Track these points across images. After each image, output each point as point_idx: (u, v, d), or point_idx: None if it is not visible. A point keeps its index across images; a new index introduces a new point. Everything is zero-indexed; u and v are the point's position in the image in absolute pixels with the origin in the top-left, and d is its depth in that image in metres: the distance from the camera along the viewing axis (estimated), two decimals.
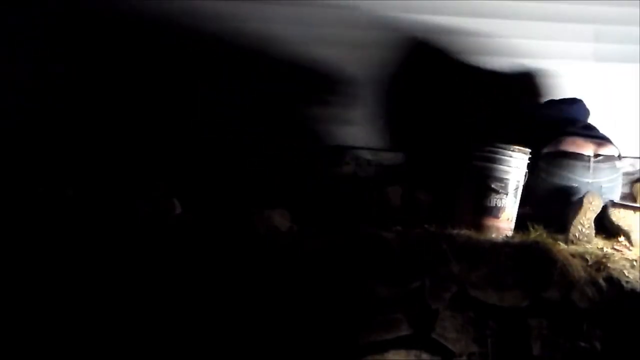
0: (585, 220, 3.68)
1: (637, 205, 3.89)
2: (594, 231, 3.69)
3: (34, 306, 3.18)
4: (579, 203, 3.70)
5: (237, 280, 3.21)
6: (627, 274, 3.35)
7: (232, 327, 3.16)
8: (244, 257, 3.26)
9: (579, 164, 3.87)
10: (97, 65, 4.22)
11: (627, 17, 4.30)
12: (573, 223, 3.68)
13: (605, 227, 3.79)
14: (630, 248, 3.67)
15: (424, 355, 3.15)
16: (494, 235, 3.58)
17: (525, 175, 3.76)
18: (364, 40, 4.32)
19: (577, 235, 3.67)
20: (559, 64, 4.40)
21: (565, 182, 3.87)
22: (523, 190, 3.76)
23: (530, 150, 3.77)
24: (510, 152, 3.71)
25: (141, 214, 3.58)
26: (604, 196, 3.82)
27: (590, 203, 3.69)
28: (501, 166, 3.69)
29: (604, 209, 3.77)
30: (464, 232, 3.47)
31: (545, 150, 3.94)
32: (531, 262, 3.28)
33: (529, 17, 4.35)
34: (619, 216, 3.80)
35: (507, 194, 3.68)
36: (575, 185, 3.86)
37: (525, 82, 4.42)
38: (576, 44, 4.37)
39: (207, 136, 4.26)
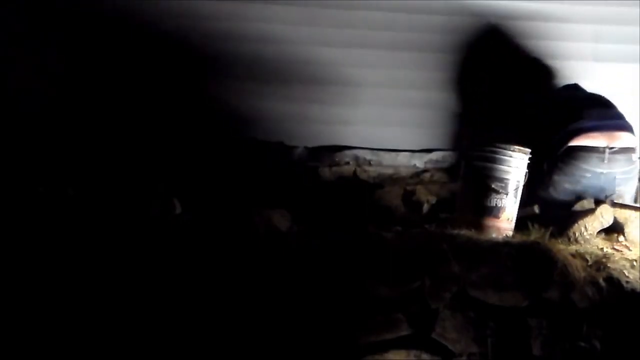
0: (590, 227, 3.69)
1: (637, 205, 3.89)
2: (594, 240, 3.70)
3: (34, 305, 3.18)
4: (591, 210, 3.71)
5: (237, 280, 3.21)
6: (627, 274, 3.35)
7: (233, 327, 3.16)
8: (244, 257, 3.26)
9: (594, 155, 3.86)
10: (97, 65, 4.22)
11: (627, 17, 4.30)
12: (578, 222, 3.69)
13: None
14: (630, 248, 3.68)
15: (424, 355, 3.15)
16: (494, 235, 3.58)
17: (525, 175, 3.76)
18: (364, 40, 4.32)
19: (577, 234, 3.68)
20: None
21: (579, 173, 3.87)
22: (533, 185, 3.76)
23: (530, 150, 3.77)
24: (510, 152, 3.71)
25: (141, 213, 3.58)
26: (617, 187, 3.85)
27: (602, 215, 3.71)
28: (501, 166, 3.69)
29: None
30: (464, 232, 3.47)
31: (559, 139, 3.91)
32: (531, 262, 3.28)
33: None
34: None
35: (507, 194, 3.68)
36: (588, 175, 3.86)
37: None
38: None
39: (207, 136, 4.26)
